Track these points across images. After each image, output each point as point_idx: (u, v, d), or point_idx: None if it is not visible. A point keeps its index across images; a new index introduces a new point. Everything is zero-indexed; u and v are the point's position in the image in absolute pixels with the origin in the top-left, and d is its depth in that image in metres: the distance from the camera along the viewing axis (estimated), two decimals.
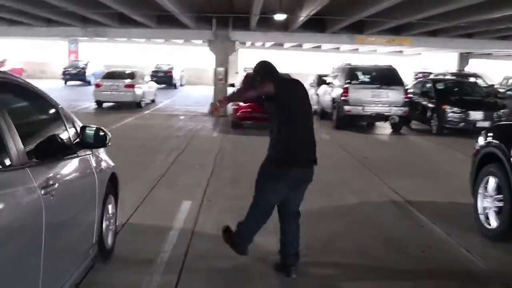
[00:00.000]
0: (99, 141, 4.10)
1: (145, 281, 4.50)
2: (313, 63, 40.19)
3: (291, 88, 4.66)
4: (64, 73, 36.18)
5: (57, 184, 3.34)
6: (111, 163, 5.08)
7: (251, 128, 15.91)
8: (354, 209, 7.23)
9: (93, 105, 21.43)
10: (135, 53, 41.97)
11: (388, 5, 14.42)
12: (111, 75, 22.28)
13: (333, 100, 16.63)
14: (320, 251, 5.55)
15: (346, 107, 15.67)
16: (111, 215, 4.93)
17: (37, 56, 41.40)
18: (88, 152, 4.31)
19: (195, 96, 29.48)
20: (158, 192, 7.81)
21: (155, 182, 8.33)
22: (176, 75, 37.31)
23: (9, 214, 2.73)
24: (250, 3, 15.62)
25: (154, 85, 25.16)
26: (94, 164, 4.34)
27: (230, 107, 16.39)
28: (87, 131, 4.07)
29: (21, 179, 2.97)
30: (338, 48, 36.35)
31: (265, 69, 4.83)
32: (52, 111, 3.94)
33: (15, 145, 2.99)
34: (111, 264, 4.82)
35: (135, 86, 21.26)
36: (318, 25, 19.25)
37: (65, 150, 3.76)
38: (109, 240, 4.89)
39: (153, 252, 5.18)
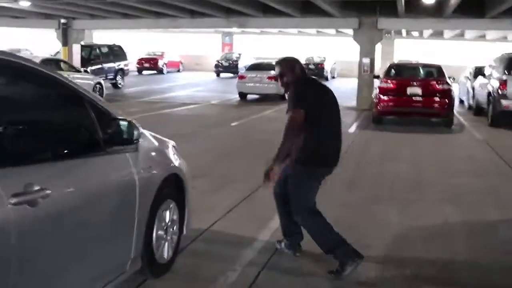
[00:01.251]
0: (127, 136, 3.36)
1: None
2: (476, 54, 36.93)
3: (317, 92, 4.57)
4: (216, 66, 36.95)
5: (49, 190, 2.64)
6: (175, 163, 4.35)
7: (394, 124, 14.59)
8: (490, 229, 5.83)
9: (237, 97, 21.32)
10: (286, 45, 41.63)
11: None
12: (255, 67, 22.14)
13: (489, 94, 14.64)
14: (430, 279, 4.36)
15: (504, 102, 13.65)
16: (169, 223, 4.20)
17: (193, 50, 42.78)
18: (130, 149, 3.58)
19: (344, 88, 28.31)
20: (261, 194, 6.97)
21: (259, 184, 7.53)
22: (327, 67, 36.42)
23: None
24: None
25: None
26: (134, 164, 3.60)
27: (373, 100, 15.22)
28: (115, 124, 3.35)
29: None
30: (505, 38, 32.89)
31: (292, 69, 4.54)
32: (71, 101, 3.25)
33: None
34: (163, 282, 4.09)
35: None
36: (475, 9, 17.14)
37: (78, 147, 3.07)
38: (165, 252, 4.16)
39: (220, 270, 4.36)
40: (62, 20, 21.91)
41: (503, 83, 13.67)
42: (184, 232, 4.56)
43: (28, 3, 18.21)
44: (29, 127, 2.91)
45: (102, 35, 32.14)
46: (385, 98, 14.11)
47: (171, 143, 4.70)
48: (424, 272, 4.52)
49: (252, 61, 34.01)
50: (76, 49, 22.46)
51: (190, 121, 14.91)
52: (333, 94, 4.67)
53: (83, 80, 18.00)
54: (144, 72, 36.91)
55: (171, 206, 4.24)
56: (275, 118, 15.72)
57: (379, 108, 14.26)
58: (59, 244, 2.81)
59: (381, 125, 14.42)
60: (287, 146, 4.32)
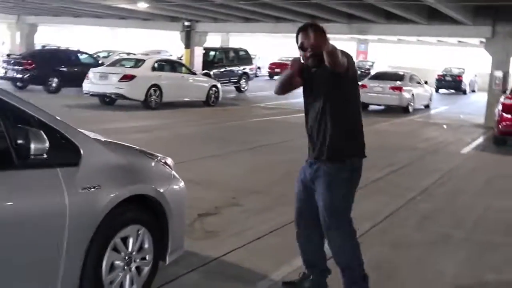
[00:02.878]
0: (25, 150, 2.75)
1: None
2: None
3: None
4: None
5: None
6: (146, 180, 3.70)
7: None
8: None
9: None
10: (423, 55, 39.50)
11: None
12: (379, 76, 21.13)
13: None
14: None
15: None
16: (134, 253, 3.54)
17: None
18: (65, 162, 2.99)
19: (480, 104, 26.05)
20: None
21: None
22: (466, 80, 33.75)
23: None
24: None
25: (429, 89, 23.00)
26: (67, 181, 2.99)
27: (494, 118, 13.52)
28: (23, 134, 2.76)
29: None
30: None
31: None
32: None
33: None
34: None
35: (402, 88, 19.55)
36: None
37: None
38: (126, 286, 3.51)
39: None
40: (186, 23, 22.24)
41: None
42: (167, 261, 3.89)
43: (146, 5, 18.61)
44: None
45: (220, 39, 32.53)
46: (509, 116, 12.38)
47: (168, 159, 4.09)
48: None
49: (385, 69, 32.74)
50: (198, 51, 22.69)
51: (294, 129, 14.20)
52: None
53: (196, 82, 18.06)
54: (275, 77, 36.83)
55: (139, 232, 3.58)
56: (385, 131, 14.66)
57: (500, 127, 12.55)
58: None
59: (503, 148, 12.69)
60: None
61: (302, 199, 3.87)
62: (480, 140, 14.02)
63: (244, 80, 25.27)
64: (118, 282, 3.45)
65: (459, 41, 30.86)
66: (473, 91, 34.96)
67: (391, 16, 18.01)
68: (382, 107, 20.24)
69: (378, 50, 40.98)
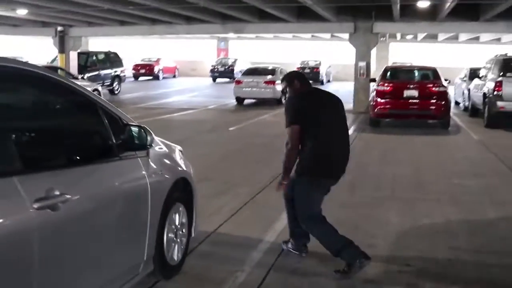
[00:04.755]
0: (139, 142, 3.47)
1: None
2: (470, 56, 37.14)
3: (317, 102, 4.59)
4: (212, 71, 37.08)
5: (69, 195, 2.73)
6: (183, 167, 4.46)
7: (391, 126, 14.75)
8: (488, 227, 5.94)
9: (234, 102, 21.43)
10: (281, 50, 41.78)
11: None
12: (251, 72, 22.32)
13: (484, 95, 14.79)
14: (435, 276, 4.47)
15: (499, 103, 13.80)
16: (178, 226, 4.29)
17: (189, 55, 42.88)
18: (141, 154, 3.68)
19: (340, 92, 28.46)
20: (264, 197, 7.10)
21: (265, 185, 7.64)
22: (322, 71, 36.55)
23: None
24: None
25: None
26: (146, 169, 3.70)
27: (370, 103, 15.42)
28: (128, 130, 3.45)
29: (2, 190, 2.40)
30: (498, 39, 33.08)
31: (297, 78, 4.76)
32: (86, 108, 3.34)
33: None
34: (174, 283, 4.18)
35: (275, 82, 20.99)
36: (469, 12, 17.28)
37: (94, 153, 3.18)
38: (175, 254, 4.25)
39: (230, 270, 4.46)
40: (59, 28, 22.00)
41: (499, 85, 13.82)
42: (193, 234, 4.66)
43: (25, 11, 18.30)
44: (47, 134, 3.01)
45: (97, 42, 32.30)
46: (382, 101, 14.25)
47: (177, 147, 4.80)
48: (428, 268, 4.62)
49: (248, 66, 34.23)
50: (73, 56, 22.55)
51: (188, 126, 14.99)
52: (338, 102, 4.77)
53: None
54: (140, 78, 37.00)
55: (180, 209, 4.33)
56: (273, 122, 15.86)
57: (376, 111, 14.40)
58: (78, 247, 2.90)
59: (378, 128, 14.57)
60: (290, 160, 4.54)
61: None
62: (357, 124, 15.78)
63: (117, 83, 25.44)
64: (171, 250, 4.19)
65: (332, 36, 33.10)
66: (329, 81, 37.96)
67: (264, 15, 19.34)
68: (254, 100, 21.57)
69: (237, 47, 42.60)
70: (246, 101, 21.55)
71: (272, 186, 7.52)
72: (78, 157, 3.10)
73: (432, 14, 17.64)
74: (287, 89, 4.80)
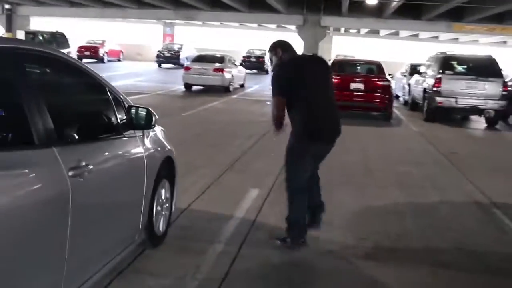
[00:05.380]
0: (145, 122, 3.89)
1: (191, 272, 4.26)
2: (410, 52, 38.67)
3: (302, 67, 4.81)
4: (158, 56, 37.04)
5: (91, 166, 3.14)
6: (168, 146, 4.88)
7: None
8: (432, 208, 6.66)
9: (182, 88, 21.68)
10: (228, 38, 42.15)
11: None
12: (200, 59, 22.56)
13: (424, 90, 15.77)
14: (388, 251, 5.09)
15: (438, 99, 14.79)
16: (164, 200, 4.73)
17: (134, 39, 42.61)
18: (138, 133, 4.10)
19: None
20: (227, 178, 7.59)
21: (226, 167, 8.13)
22: (268, 61, 37.13)
23: (30, 194, 2.58)
24: None
25: (243, 70, 25.23)
26: (143, 147, 4.12)
27: None
28: (133, 111, 3.87)
29: (45, 159, 2.78)
30: (437, 37, 34.69)
31: (278, 46, 4.94)
32: (94, 87, 3.74)
33: (42, 121, 2.80)
34: (161, 251, 4.62)
35: (224, 70, 21.38)
36: (413, 11, 18.29)
37: (106, 130, 3.58)
38: (161, 226, 4.69)
39: (208, 241, 4.94)
40: (6, 6, 21.63)
41: (438, 81, 14.79)
42: (173, 209, 5.10)
43: None
44: (72, 112, 3.40)
45: (49, 22, 31.72)
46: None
47: (160, 128, 5.22)
48: (382, 243, 5.25)
49: (194, 52, 34.39)
50: (20, 35, 22.23)
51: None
52: (326, 66, 5.02)
53: None
54: (85, 60, 36.50)
55: (166, 185, 4.77)
56: (223, 109, 16.33)
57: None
58: (100, 211, 3.33)
59: None
60: (278, 122, 4.76)
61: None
62: None
63: None
64: (158, 222, 4.62)
65: (278, 26, 33.65)
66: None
67: (216, 4, 19.73)
68: (202, 87, 21.93)
69: (184, 33, 42.63)
70: (194, 88, 21.86)
71: (233, 170, 8.10)
72: (95, 133, 3.49)
73: (378, 11, 18.53)
74: (273, 58, 4.97)
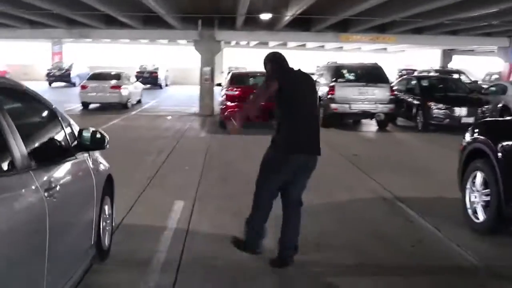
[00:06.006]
0: (97, 143, 4.17)
1: (142, 281, 4.55)
2: (297, 61, 40.17)
3: (294, 78, 4.86)
4: (48, 75, 36.04)
5: (58, 186, 3.39)
6: (107, 165, 5.14)
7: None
8: (344, 206, 7.35)
9: (79, 107, 21.37)
10: (119, 54, 41.76)
11: (373, 4, 14.55)
12: (96, 77, 22.29)
13: (319, 98, 16.75)
14: (312, 247, 5.64)
15: (333, 105, 15.79)
16: (107, 216, 4.99)
17: (20, 58, 41.06)
18: (85, 154, 4.36)
19: (181, 96, 29.58)
20: (150, 193, 7.85)
21: (146, 184, 8.38)
22: (161, 75, 37.29)
23: (14, 217, 2.79)
24: (236, 3, 15.67)
25: (140, 86, 25.23)
26: (91, 166, 4.39)
27: (217, 106, 16.60)
28: (84, 133, 4.13)
29: (26, 182, 3.03)
30: (322, 46, 36.52)
31: (272, 60, 5.01)
32: (49, 113, 3.98)
33: (19, 148, 3.04)
34: (108, 265, 4.86)
35: (121, 87, 21.29)
36: (303, 24, 19.33)
37: (64, 153, 3.83)
38: (106, 240, 4.94)
39: (149, 252, 5.24)
40: None
41: (332, 89, 15.80)
42: (113, 224, 5.36)
43: None
44: (38, 138, 3.63)
45: None
46: (232, 104, 15.46)
47: None
48: (307, 238, 5.78)
49: (86, 70, 33.80)
50: None
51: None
52: (312, 82, 5.11)
53: None
54: None
55: (108, 201, 5.03)
56: (127, 126, 16.38)
57: (226, 113, 15.57)
58: (68, 228, 3.59)
59: (226, 129, 15.74)
60: (250, 107, 4.93)
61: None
62: (207, 126, 16.85)
63: None
64: (104, 237, 4.88)
65: (170, 41, 33.79)
66: (167, 85, 38.83)
67: (111, 21, 19.68)
68: (99, 105, 21.75)
69: (73, 50, 41.62)
70: (91, 106, 21.61)
71: (154, 185, 8.37)
72: (56, 156, 3.73)
73: (270, 25, 19.37)
74: (266, 70, 5.02)
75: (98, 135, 4.15)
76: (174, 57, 41.21)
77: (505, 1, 13.70)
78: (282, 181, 4.86)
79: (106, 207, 4.96)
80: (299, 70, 5.06)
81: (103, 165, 4.97)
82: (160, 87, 36.72)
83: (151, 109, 22.49)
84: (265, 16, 17.57)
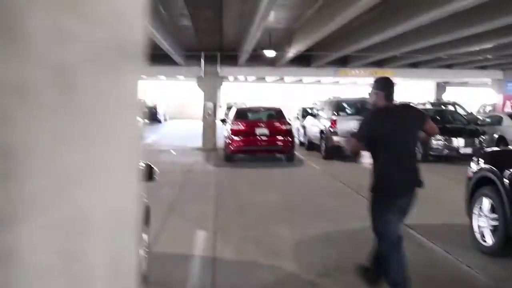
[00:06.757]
0: (149, 176, 4.59)
1: None
2: (294, 95, 40.97)
3: (386, 118, 4.74)
4: None
5: None
6: (144, 195, 5.54)
7: (244, 161, 16.45)
8: (358, 232, 7.74)
9: None
10: None
11: (373, 42, 15.16)
12: None
13: (321, 131, 17.25)
14: (335, 266, 6.03)
15: (335, 138, 16.26)
16: (146, 244, 5.37)
17: None
18: None
19: (181, 131, 29.99)
20: (173, 223, 8.21)
21: (166, 214, 8.74)
22: (160, 111, 37.84)
23: None
24: (240, 41, 16.26)
25: (140, 121, 25.51)
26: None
27: (222, 140, 17.08)
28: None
29: None
30: (319, 81, 37.22)
31: (384, 89, 4.85)
32: None
33: None
34: None
35: None
36: (303, 60, 19.96)
37: None
38: (145, 267, 5.31)
39: (183, 277, 5.62)
40: None
41: (334, 122, 16.32)
42: (149, 251, 5.74)
43: None
44: None
45: None
46: (237, 138, 15.90)
47: None
48: (326, 264, 6.17)
49: None
50: None
51: None
52: (409, 119, 4.84)
53: None
54: None
55: (147, 230, 5.43)
56: None
57: (231, 148, 16.00)
58: None
59: (233, 163, 16.15)
60: (353, 153, 4.93)
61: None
62: (212, 160, 17.26)
63: None
64: (143, 263, 5.26)
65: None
66: (166, 120, 39.39)
67: None
68: None
69: None
70: None
71: (173, 216, 8.74)
72: None
73: (271, 61, 19.97)
74: (371, 97, 4.90)
75: (150, 168, 4.57)
76: (172, 91, 41.79)
77: (501, 37, 14.33)
78: (392, 221, 4.68)
79: (145, 236, 5.34)
80: (397, 107, 5.08)
81: (143, 195, 5.37)
82: (160, 122, 37.23)
83: (154, 144, 22.84)
84: (270, 53, 18.15)
